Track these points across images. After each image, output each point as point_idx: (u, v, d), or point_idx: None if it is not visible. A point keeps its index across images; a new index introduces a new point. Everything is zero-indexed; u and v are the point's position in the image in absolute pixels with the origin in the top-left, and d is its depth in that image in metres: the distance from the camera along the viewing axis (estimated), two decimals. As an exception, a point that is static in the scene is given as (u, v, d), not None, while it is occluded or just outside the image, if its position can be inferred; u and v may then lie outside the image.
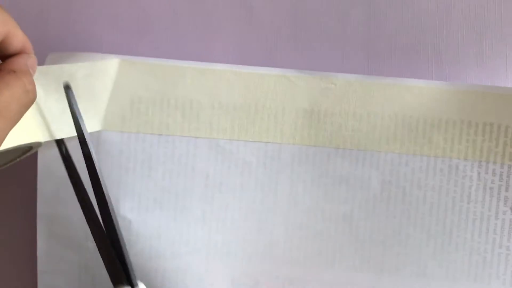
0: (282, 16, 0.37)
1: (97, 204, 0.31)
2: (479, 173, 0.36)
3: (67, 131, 0.33)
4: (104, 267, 0.33)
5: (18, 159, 0.33)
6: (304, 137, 0.36)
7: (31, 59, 0.29)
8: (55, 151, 0.34)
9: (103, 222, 0.31)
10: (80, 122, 0.31)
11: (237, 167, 0.36)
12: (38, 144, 0.31)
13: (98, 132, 0.35)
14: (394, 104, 0.35)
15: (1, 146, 0.26)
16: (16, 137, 0.29)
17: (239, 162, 0.36)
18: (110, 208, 0.30)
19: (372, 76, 0.35)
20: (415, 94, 0.35)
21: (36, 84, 0.28)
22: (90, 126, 0.35)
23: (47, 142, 0.33)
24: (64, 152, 0.33)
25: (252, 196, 0.36)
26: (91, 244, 0.36)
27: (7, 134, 0.26)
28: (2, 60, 0.28)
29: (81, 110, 0.32)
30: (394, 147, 0.36)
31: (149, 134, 0.36)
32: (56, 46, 0.37)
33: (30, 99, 0.27)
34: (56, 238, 0.36)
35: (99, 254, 0.35)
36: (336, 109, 0.36)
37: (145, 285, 0.31)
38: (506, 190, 0.36)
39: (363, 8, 0.37)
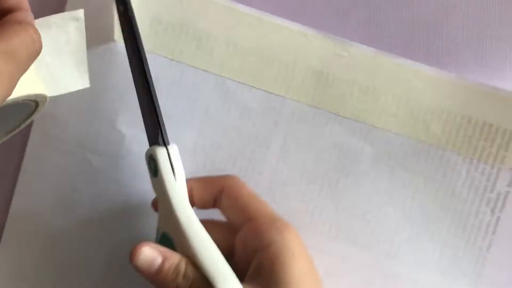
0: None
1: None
2: (468, 170, 0.36)
3: (70, 86, 0.34)
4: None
5: (25, 123, 0.34)
6: (308, 96, 0.36)
7: (30, 15, 0.29)
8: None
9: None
10: None
11: (237, 110, 0.37)
12: (44, 99, 0.32)
13: (114, 42, 0.36)
14: (401, 84, 0.36)
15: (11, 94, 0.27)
16: (23, 88, 0.30)
17: (240, 105, 0.37)
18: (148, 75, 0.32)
19: (386, 52, 0.36)
20: (423, 80, 0.36)
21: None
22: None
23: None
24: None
25: (244, 142, 0.37)
26: (79, 150, 0.37)
27: (18, 79, 0.27)
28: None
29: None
30: (392, 126, 0.36)
31: (161, 56, 0.36)
32: None
33: (36, 49, 0.28)
34: (49, 138, 0.36)
35: (85, 165, 0.35)
36: (344, 76, 0.36)
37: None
38: (491, 192, 0.36)
39: (363, 8, 0.38)
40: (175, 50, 0.36)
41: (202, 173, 0.36)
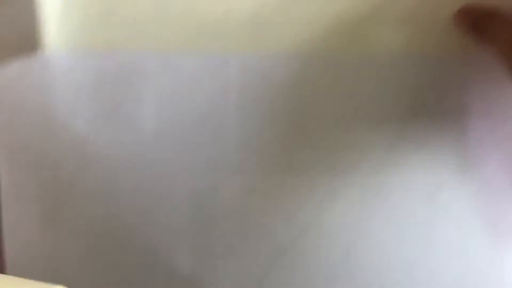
0: None
1: None
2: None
3: None
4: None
5: None
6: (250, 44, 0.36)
7: None
8: None
9: None
10: None
11: (186, 81, 0.37)
12: None
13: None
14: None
15: None
16: None
17: (185, 76, 0.37)
18: None
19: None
20: None
21: None
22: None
23: None
24: None
25: (201, 110, 0.37)
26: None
27: None
28: None
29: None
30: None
31: (95, 51, 0.36)
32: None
33: None
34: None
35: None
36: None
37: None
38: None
39: None
40: (108, 40, 0.36)
41: (166, 155, 0.36)
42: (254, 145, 0.37)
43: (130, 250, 0.36)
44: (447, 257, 0.37)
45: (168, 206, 0.36)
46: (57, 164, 0.36)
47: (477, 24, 0.34)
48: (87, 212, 0.36)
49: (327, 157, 0.37)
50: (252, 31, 0.36)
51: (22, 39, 0.35)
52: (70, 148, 0.36)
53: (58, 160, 0.36)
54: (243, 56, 0.36)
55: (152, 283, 0.36)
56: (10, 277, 0.25)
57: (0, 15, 0.35)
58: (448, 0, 0.35)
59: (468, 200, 0.36)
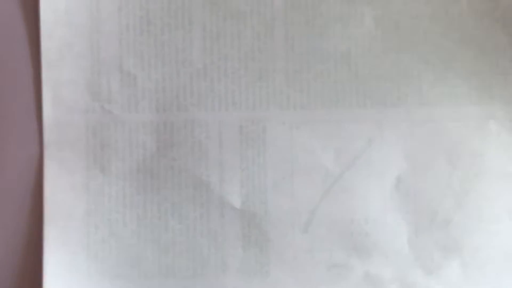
0: None
1: None
2: (468, -3, 0.37)
3: None
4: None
5: None
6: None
7: None
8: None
9: None
10: None
11: (233, 17, 0.37)
12: None
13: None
14: None
15: None
16: None
17: (233, 12, 0.37)
18: None
19: None
20: None
21: None
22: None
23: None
24: None
25: (250, 45, 0.37)
26: (97, 104, 0.37)
27: None
28: None
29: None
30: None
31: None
32: None
33: None
34: (61, 103, 0.37)
35: (106, 115, 0.36)
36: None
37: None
38: (496, 10, 0.36)
39: None
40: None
41: (218, 89, 0.36)
42: (303, 79, 0.37)
43: (183, 184, 0.37)
44: (498, 186, 0.36)
45: (217, 142, 0.37)
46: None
47: None
48: (139, 146, 0.37)
49: (374, 90, 0.37)
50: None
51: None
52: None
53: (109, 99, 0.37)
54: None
55: (204, 216, 0.37)
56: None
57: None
58: None
59: (519, 130, 0.36)
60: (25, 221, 0.37)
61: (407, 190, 0.37)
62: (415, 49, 0.37)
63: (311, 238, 0.37)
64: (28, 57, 0.37)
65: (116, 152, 0.37)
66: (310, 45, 0.37)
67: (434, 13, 0.37)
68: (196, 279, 0.37)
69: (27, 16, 0.37)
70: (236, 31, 0.37)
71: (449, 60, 0.37)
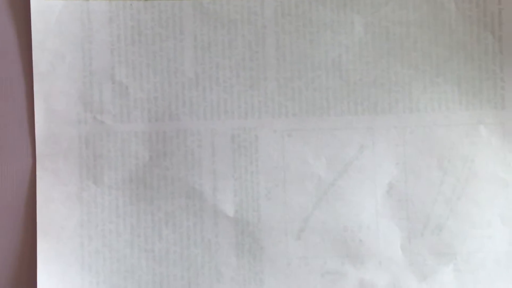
0: None
1: None
2: (456, 3, 0.37)
3: None
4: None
5: None
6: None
7: None
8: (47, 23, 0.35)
9: None
10: None
11: (223, 27, 0.37)
12: None
13: (86, 1, 0.37)
14: None
15: None
16: None
17: (224, 21, 0.37)
18: None
19: None
20: None
21: None
22: None
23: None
24: None
25: (241, 54, 0.37)
26: (89, 115, 0.37)
27: None
28: None
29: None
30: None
31: (135, 1, 0.37)
32: None
33: None
34: (54, 114, 0.37)
35: (98, 126, 0.36)
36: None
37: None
38: (484, 16, 0.37)
39: None
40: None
41: (210, 99, 0.36)
42: (294, 87, 0.37)
43: (177, 193, 0.37)
44: (490, 190, 0.37)
45: (210, 151, 0.37)
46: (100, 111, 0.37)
47: None
48: (132, 156, 0.37)
49: (365, 97, 0.37)
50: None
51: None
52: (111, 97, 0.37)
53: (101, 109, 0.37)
54: None
55: (198, 225, 0.37)
56: None
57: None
58: None
59: (509, 135, 0.37)
60: (18, 232, 0.37)
61: (400, 196, 0.37)
62: (405, 56, 0.37)
63: (305, 246, 0.37)
64: (20, 68, 0.37)
65: (108, 163, 0.37)
66: (301, 53, 0.37)
67: (423, 19, 0.37)
68: (190, 288, 0.37)
69: (19, 27, 0.37)
70: (227, 40, 0.37)
71: (439, 66, 0.37)
